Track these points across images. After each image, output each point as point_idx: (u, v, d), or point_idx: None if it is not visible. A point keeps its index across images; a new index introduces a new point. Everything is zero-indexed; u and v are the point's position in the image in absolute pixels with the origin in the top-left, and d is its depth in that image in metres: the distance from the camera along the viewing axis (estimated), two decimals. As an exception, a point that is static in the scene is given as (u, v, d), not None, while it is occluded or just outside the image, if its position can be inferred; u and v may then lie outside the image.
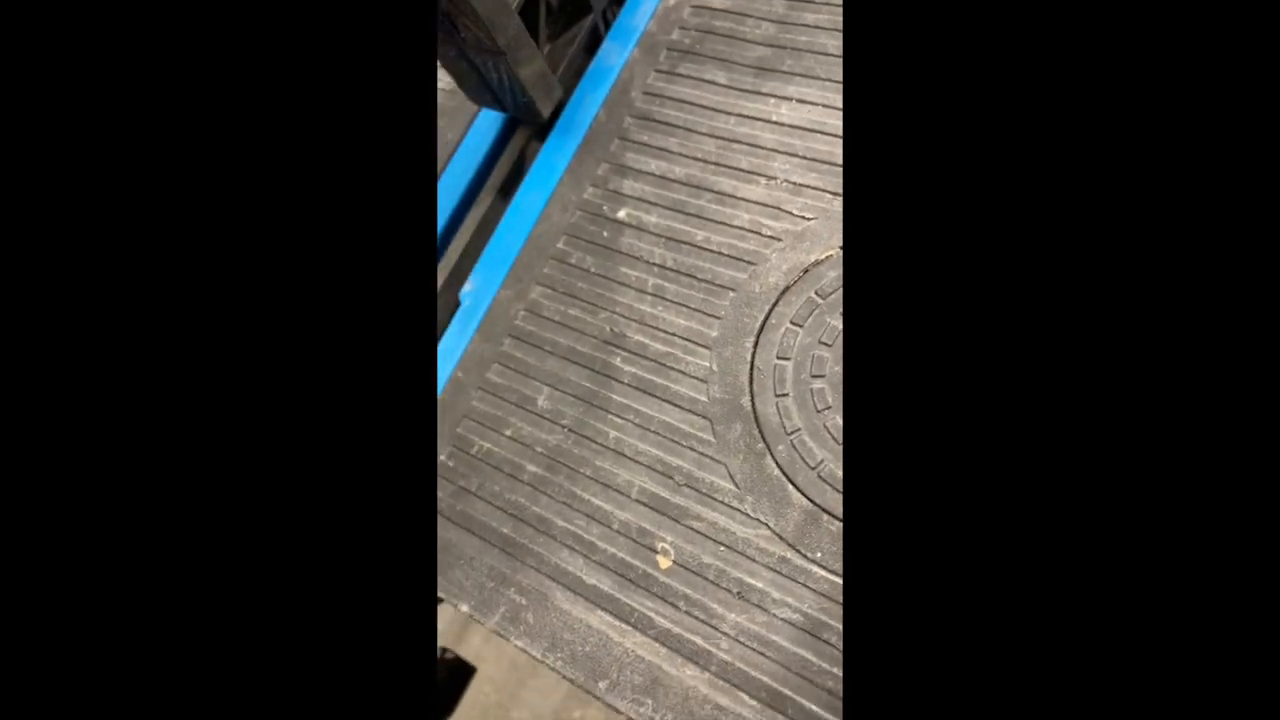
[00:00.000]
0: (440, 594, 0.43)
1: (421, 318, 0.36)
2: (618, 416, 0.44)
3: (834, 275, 0.43)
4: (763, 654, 0.37)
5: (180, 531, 0.32)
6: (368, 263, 0.34)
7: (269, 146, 0.33)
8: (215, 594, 0.32)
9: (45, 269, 0.32)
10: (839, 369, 0.41)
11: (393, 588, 0.33)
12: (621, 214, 0.49)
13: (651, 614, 0.40)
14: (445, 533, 0.45)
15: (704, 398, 0.43)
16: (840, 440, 0.40)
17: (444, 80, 0.57)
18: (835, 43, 0.49)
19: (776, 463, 0.40)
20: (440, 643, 1.19)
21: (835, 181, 0.44)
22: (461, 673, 0.74)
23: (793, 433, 0.40)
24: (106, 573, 0.31)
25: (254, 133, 0.33)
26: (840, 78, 0.47)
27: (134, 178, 0.32)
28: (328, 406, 0.33)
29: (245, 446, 0.32)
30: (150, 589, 0.32)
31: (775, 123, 0.48)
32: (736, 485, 0.41)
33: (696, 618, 0.39)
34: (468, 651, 0.79)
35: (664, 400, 0.44)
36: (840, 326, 0.43)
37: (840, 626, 0.36)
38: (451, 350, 0.50)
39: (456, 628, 1.12)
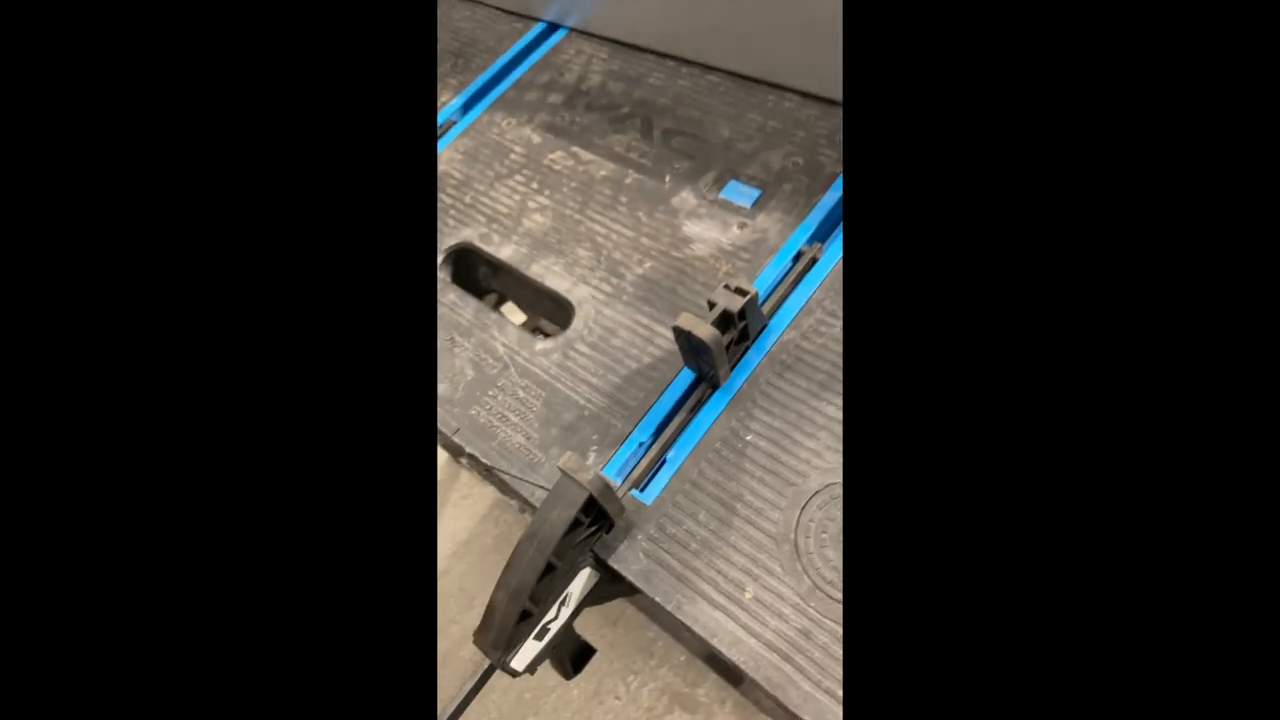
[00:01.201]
0: (641, 588, 0.98)
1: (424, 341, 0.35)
2: (735, 532, 1.00)
3: (834, 501, 1.00)
4: (780, 633, 0.91)
5: (183, 528, 0.30)
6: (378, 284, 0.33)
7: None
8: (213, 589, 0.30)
9: (50, 242, 0.30)
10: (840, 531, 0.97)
11: (394, 592, 0.32)
12: (749, 437, 1.07)
13: (738, 612, 0.94)
14: (648, 565, 1.00)
15: (775, 530, 0.99)
16: (835, 570, 0.96)
17: (674, 346, 1.17)
18: (857, 378, 1.08)
19: (801, 566, 0.96)
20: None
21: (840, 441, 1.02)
22: (586, 652, 1.25)
23: (807, 554, 0.96)
24: (111, 572, 0.29)
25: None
26: (856, 395, 1.05)
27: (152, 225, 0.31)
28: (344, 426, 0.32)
29: (248, 453, 0.31)
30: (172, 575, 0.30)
31: (826, 415, 1.07)
32: (783, 570, 0.96)
33: (753, 615, 0.93)
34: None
35: (756, 529, 1.00)
36: (834, 544, 0.99)
37: (816, 639, 0.90)
38: (657, 486, 1.06)
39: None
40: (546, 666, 1.04)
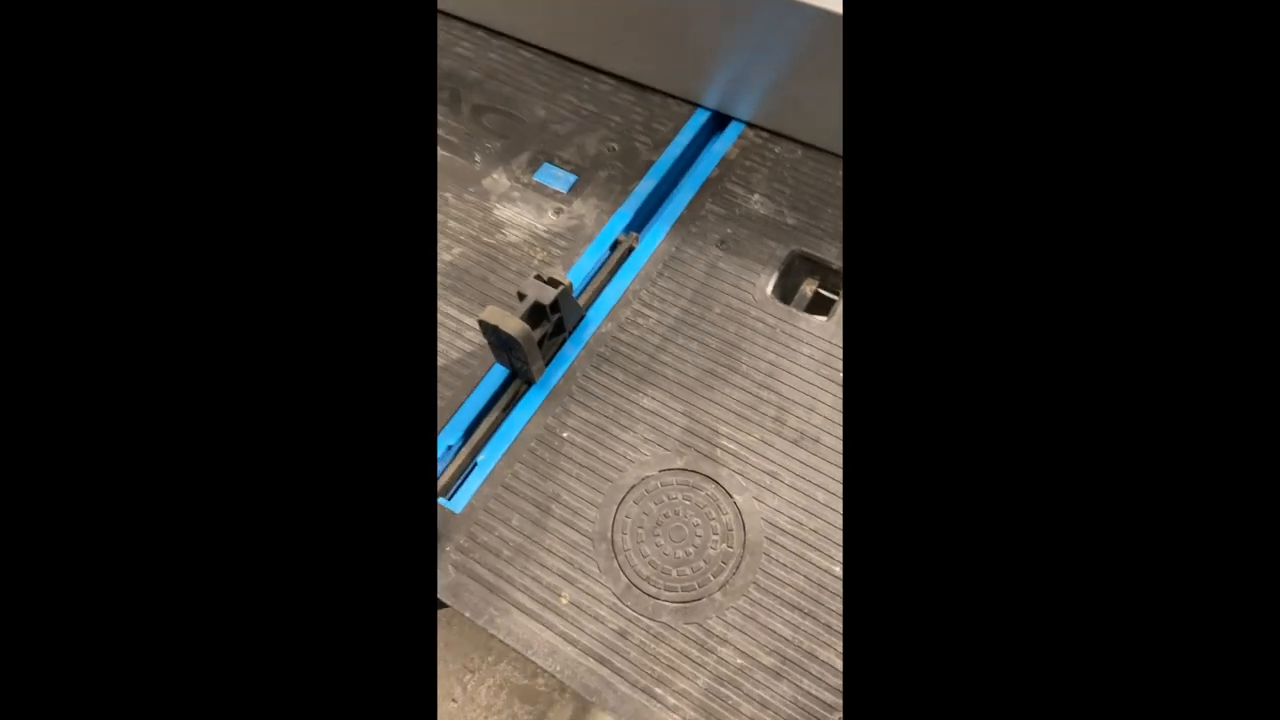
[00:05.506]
0: (448, 604, 0.91)
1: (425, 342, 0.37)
2: (551, 535, 0.96)
3: (666, 478, 0.99)
4: (597, 637, 0.89)
5: (185, 529, 0.30)
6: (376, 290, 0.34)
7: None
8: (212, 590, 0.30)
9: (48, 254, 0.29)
10: (651, 520, 0.96)
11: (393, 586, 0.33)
12: (565, 434, 1.03)
13: (554, 620, 0.90)
14: (457, 579, 0.93)
15: (592, 529, 0.96)
16: (651, 566, 0.94)
17: (482, 342, 1.09)
18: (690, 368, 1.08)
19: (618, 564, 0.94)
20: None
21: (667, 428, 1.01)
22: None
23: (624, 550, 0.94)
24: (109, 571, 0.29)
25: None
26: (680, 384, 1.05)
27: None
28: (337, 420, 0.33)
29: (249, 451, 0.31)
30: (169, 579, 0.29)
31: (643, 408, 1.06)
32: (600, 570, 0.93)
33: (569, 621, 0.90)
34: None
35: (573, 529, 0.96)
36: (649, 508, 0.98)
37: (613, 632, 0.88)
38: (467, 492, 0.99)
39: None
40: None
